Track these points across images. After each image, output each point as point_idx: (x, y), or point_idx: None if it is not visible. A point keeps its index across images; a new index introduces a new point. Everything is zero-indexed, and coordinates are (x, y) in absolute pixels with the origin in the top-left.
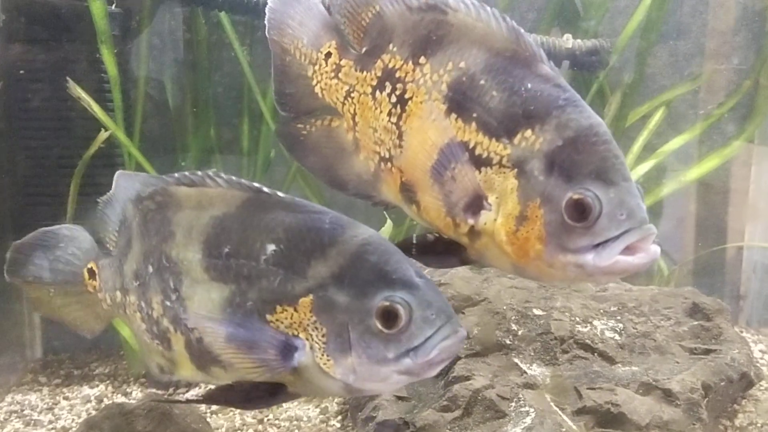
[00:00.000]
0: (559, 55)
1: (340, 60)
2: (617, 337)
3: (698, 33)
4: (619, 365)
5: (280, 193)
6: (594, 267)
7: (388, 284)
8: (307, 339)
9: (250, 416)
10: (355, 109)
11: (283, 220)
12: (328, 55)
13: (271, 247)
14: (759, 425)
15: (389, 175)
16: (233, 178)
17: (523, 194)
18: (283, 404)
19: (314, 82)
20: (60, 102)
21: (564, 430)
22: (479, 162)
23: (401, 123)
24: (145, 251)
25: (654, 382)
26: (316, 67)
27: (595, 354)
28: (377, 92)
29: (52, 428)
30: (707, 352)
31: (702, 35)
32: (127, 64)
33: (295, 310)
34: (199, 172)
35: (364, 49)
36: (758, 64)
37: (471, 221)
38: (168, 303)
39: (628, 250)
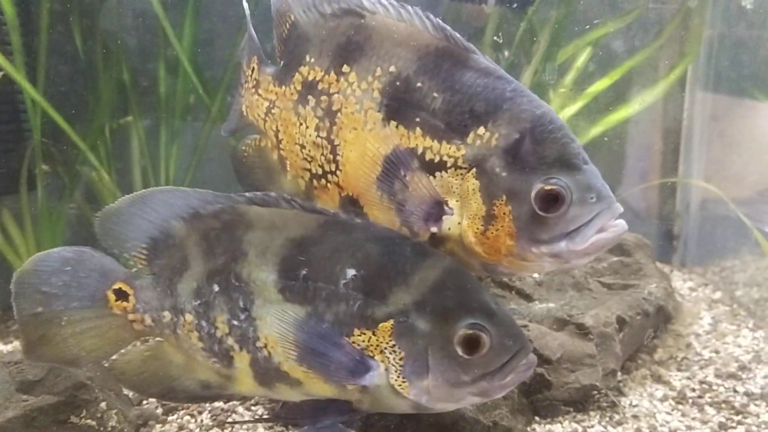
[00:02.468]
0: None
1: (260, 75)
2: (535, 275)
3: None
4: (536, 302)
5: (357, 219)
6: (569, 252)
7: (469, 312)
8: (383, 361)
9: None
10: (277, 126)
11: (363, 245)
12: (252, 70)
13: (351, 272)
14: (678, 359)
15: (324, 192)
16: (308, 202)
17: (486, 193)
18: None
19: (243, 99)
20: None
21: None
22: (432, 167)
23: (332, 137)
24: (209, 270)
25: (568, 318)
26: (246, 84)
27: (513, 292)
28: (300, 107)
29: None
30: (625, 287)
31: None
32: (27, 4)
33: (374, 334)
34: (272, 194)
35: (282, 63)
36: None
37: (434, 229)
38: (235, 322)
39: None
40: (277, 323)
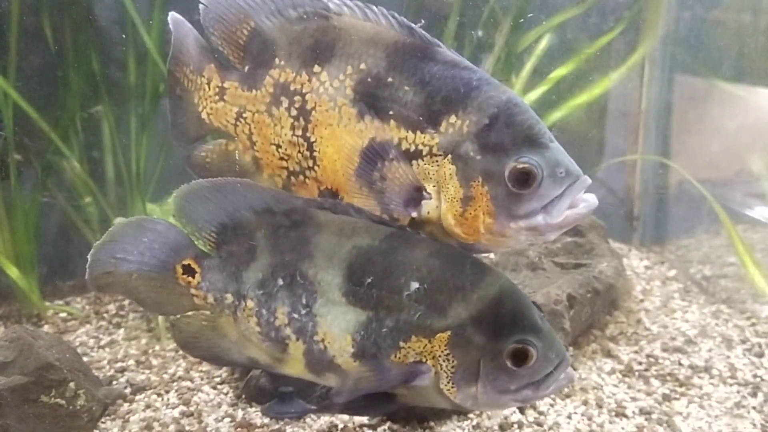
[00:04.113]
0: None
1: (223, 82)
2: (491, 255)
3: None
4: None
5: (421, 234)
6: (546, 226)
7: (520, 329)
8: (434, 366)
9: (134, 348)
10: (250, 129)
11: (427, 260)
12: (210, 78)
13: (414, 285)
14: (628, 334)
15: (303, 188)
16: (376, 215)
17: (463, 176)
18: (171, 338)
19: (200, 108)
20: None
21: None
22: (408, 156)
23: (308, 134)
24: (275, 264)
25: None
26: (201, 93)
27: None
28: (273, 108)
29: None
30: (577, 266)
31: None
32: None
33: (430, 342)
34: (343, 202)
35: (246, 68)
36: None
37: (414, 214)
38: (295, 315)
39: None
40: (336, 332)
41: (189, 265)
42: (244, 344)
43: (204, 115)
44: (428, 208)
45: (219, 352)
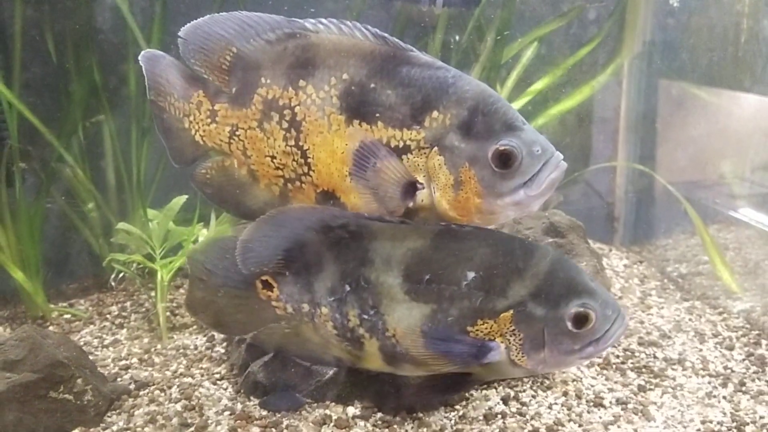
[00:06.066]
0: None
1: (213, 105)
2: None
3: None
4: None
5: (466, 227)
6: (529, 198)
7: (576, 294)
8: (503, 342)
9: (137, 347)
10: (244, 145)
11: (478, 250)
12: (200, 104)
13: (471, 275)
14: None
15: (300, 192)
16: (422, 222)
17: (451, 164)
18: (172, 334)
19: (193, 132)
20: None
21: None
22: (398, 152)
23: (301, 143)
24: (341, 273)
25: None
26: (191, 118)
27: None
28: (264, 123)
29: None
30: None
31: None
32: (0, 10)
33: (495, 322)
34: (381, 215)
35: (234, 89)
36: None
37: (410, 204)
38: (365, 316)
39: None
40: (405, 327)
41: (267, 280)
42: (326, 346)
43: (198, 138)
44: (422, 196)
45: (307, 354)
